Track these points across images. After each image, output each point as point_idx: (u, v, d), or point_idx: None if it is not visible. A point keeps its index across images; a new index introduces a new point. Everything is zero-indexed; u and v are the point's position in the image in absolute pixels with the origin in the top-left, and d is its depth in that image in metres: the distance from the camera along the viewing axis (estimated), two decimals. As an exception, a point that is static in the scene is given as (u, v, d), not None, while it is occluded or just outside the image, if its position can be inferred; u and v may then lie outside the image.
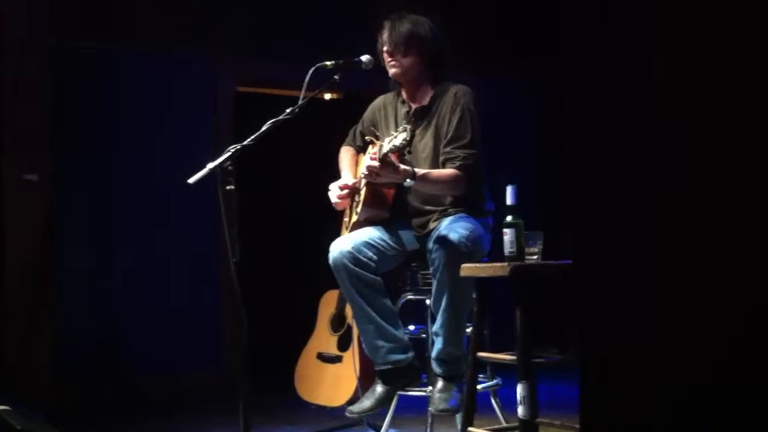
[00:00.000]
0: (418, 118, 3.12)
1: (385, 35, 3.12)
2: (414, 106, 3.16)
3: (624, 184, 1.35)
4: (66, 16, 4.31)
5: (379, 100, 3.33)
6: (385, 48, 3.12)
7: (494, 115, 4.34)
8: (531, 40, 5.56)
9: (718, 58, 1.21)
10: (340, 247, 2.99)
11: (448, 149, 3.03)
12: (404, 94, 3.21)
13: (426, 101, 3.14)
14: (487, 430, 2.70)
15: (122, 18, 4.54)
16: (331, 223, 3.41)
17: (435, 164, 3.06)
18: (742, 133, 1.19)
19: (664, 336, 1.29)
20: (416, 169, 2.92)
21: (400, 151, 2.88)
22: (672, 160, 1.27)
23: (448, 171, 2.99)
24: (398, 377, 3.02)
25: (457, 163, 2.99)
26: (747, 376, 1.18)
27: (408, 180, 2.89)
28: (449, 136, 3.04)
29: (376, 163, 2.85)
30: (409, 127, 2.81)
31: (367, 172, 2.90)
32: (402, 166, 2.88)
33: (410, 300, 3.17)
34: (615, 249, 1.37)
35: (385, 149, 2.87)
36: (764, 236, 1.15)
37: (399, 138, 2.80)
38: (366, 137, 3.22)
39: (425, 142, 3.10)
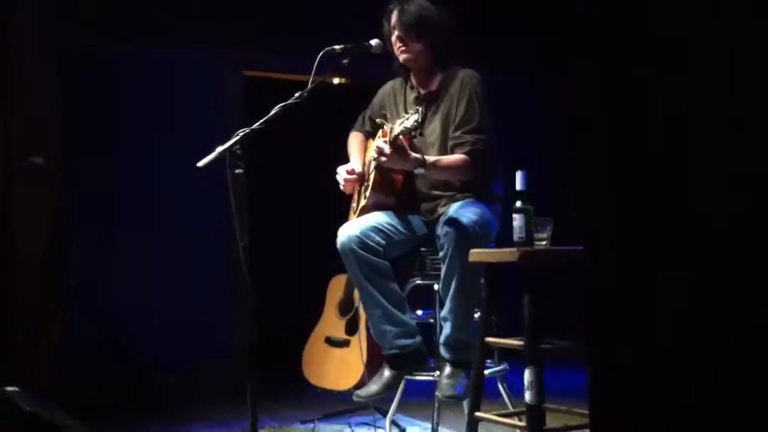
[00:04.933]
0: (427, 103, 3.10)
1: (394, 20, 3.10)
2: (422, 92, 3.15)
3: (624, 184, 1.34)
4: (74, 16, 4.31)
5: (387, 86, 3.32)
6: (395, 33, 3.10)
7: (504, 105, 4.33)
8: (538, 33, 5.51)
9: (720, 58, 1.20)
10: (348, 231, 2.99)
11: (457, 134, 3.02)
12: (413, 80, 3.20)
13: (434, 86, 3.13)
14: (494, 414, 2.70)
15: (127, 16, 4.53)
16: (341, 207, 3.41)
17: (443, 148, 3.05)
18: (743, 132, 1.18)
19: (669, 334, 1.28)
20: (427, 157, 2.91)
21: (410, 133, 2.87)
22: (672, 160, 1.27)
23: (457, 157, 2.98)
24: (405, 362, 3.02)
25: (467, 148, 2.98)
26: (751, 376, 1.18)
27: (419, 168, 2.89)
28: (457, 120, 3.03)
29: (386, 146, 2.85)
30: (420, 109, 2.80)
31: (376, 154, 2.89)
32: (413, 154, 2.87)
33: (418, 285, 3.17)
34: (618, 250, 1.37)
35: (396, 131, 2.87)
36: (765, 236, 1.15)
37: (411, 119, 2.79)
38: (377, 120, 3.21)
39: (433, 127, 3.09)
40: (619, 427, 1.39)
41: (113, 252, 4.45)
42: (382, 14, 3.17)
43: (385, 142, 2.89)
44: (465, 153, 2.97)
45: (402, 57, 3.11)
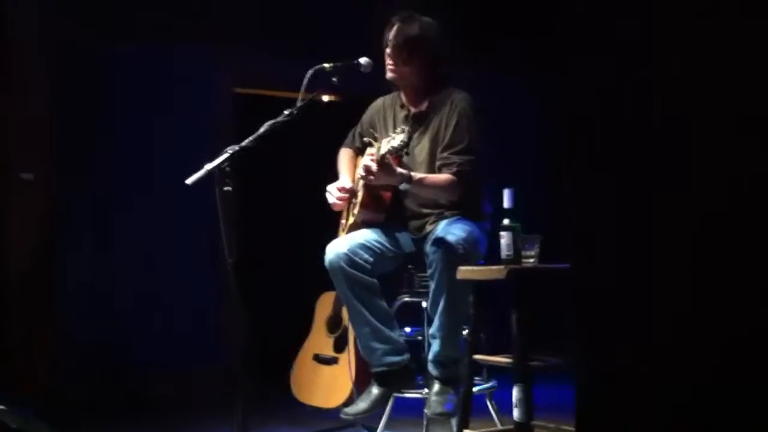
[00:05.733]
0: (416, 123, 3.11)
1: (392, 35, 3.10)
2: (412, 111, 3.16)
3: (624, 184, 1.35)
4: (70, 15, 4.32)
5: (378, 102, 3.33)
6: (387, 49, 3.10)
7: (494, 114, 4.33)
8: (534, 37, 5.52)
9: (719, 58, 1.21)
10: (336, 249, 2.99)
11: (444, 155, 3.03)
12: (403, 97, 3.21)
13: (424, 106, 3.13)
14: (482, 432, 2.70)
15: (123, 17, 4.54)
16: (329, 224, 3.41)
17: (431, 168, 3.06)
18: (743, 133, 1.19)
19: (663, 338, 1.29)
20: (412, 173, 2.93)
21: (398, 153, 2.88)
22: (672, 160, 1.27)
23: (443, 176, 2.99)
24: (394, 379, 3.02)
25: (454, 169, 2.99)
26: (749, 377, 1.18)
27: (404, 183, 2.90)
28: (446, 141, 3.04)
29: (373, 165, 2.86)
30: (407, 129, 2.82)
31: (363, 173, 2.90)
32: (399, 169, 2.89)
33: (406, 302, 3.17)
34: (615, 250, 1.37)
35: (383, 150, 2.88)
36: (764, 237, 1.15)
37: (397, 140, 2.80)
38: (365, 139, 3.23)
39: (422, 146, 3.10)
40: (611, 427, 1.38)
41: (107, 257, 4.44)
42: (384, 25, 3.15)
43: (373, 160, 2.89)
44: (452, 173, 2.98)
45: (387, 74, 3.12)
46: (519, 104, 5.72)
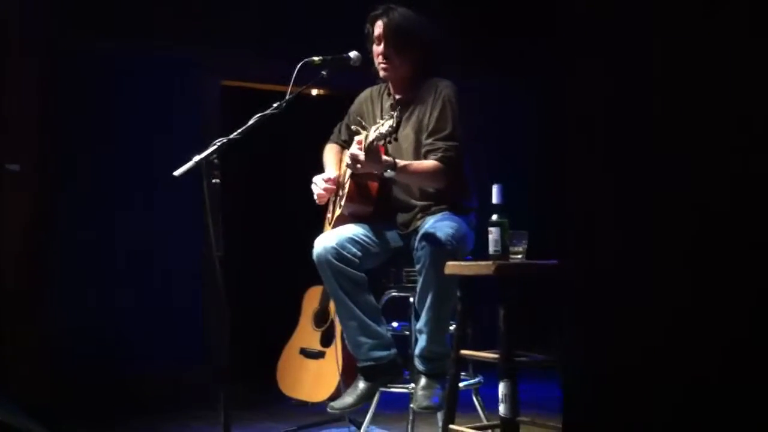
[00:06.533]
0: (401, 109, 3.11)
1: (378, 31, 3.10)
2: (398, 98, 3.16)
3: (624, 184, 1.35)
4: (58, 14, 4.29)
5: (365, 93, 3.32)
6: (378, 48, 3.09)
7: (489, 114, 4.32)
8: (532, 38, 5.51)
9: (719, 58, 1.21)
10: (325, 242, 2.99)
11: (429, 141, 3.03)
12: (390, 86, 3.21)
13: (410, 94, 3.13)
14: (468, 428, 2.70)
15: (113, 15, 4.51)
16: (317, 218, 3.40)
17: (416, 155, 3.06)
18: (743, 132, 1.19)
19: (664, 338, 1.29)
20: (397, 160, 2.92)
21: (385, 139, 2.88)
22: (672, 160, 1.28)
23: (429, 162, 2.99)
24: (380, 374, 3.02)
25: (439, 155, 2.99)
26: (749, 377, 1.19)
27: (388, 170, 2.88)
28: (430, 128, 3.04)
29: (360, 153, 2.84)
30: (395, 114, 2.81)
31: (350, 161, 2.89)
32: (384, 157, 2.88)
33: (394, 297, 3.17)
34: (615, 250, 1.37)
35: (371, 137, 2.86)
36: (764, 236, 1.16)
37: (386, 125, 2.80)
38: (352, 127, 3.22)
39: (406, 134, 3.10)
40: (603, 425, 1.39)
41: (99, 256, 4.42)
42: (367, 20, 3.15)
43: (360, 149, 2.88)
44: (437, 159, 2.98)
45: (382, 73, 3.12)
46: (509, 103, 5.73)
